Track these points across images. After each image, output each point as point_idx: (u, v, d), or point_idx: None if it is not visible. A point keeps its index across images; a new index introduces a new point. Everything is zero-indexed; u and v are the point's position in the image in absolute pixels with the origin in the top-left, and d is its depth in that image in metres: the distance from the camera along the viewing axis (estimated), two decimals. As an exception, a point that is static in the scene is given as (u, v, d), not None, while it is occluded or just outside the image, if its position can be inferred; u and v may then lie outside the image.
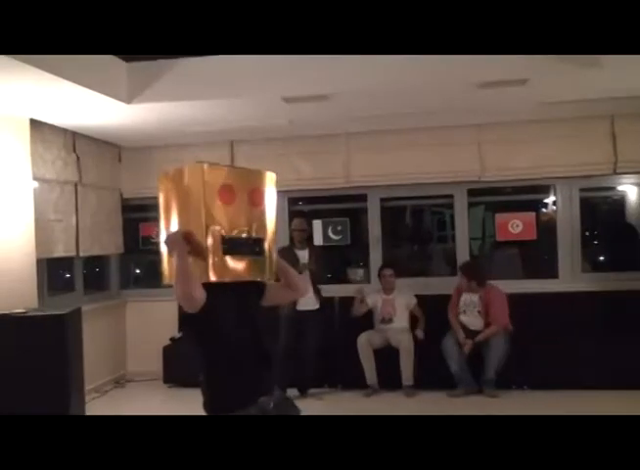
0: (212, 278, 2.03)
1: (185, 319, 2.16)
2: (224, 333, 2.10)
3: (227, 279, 2.09)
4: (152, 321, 6.22)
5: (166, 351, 5.88)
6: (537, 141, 5.72)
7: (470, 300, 5.35)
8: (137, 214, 6.72)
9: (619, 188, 6.16)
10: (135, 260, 7.03)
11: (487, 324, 5.23)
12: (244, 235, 2.14)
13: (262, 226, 2.21)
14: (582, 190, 5.89)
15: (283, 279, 2.31)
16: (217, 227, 2.06)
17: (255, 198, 2.19)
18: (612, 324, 5.19)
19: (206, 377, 2.14)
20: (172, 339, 5.98)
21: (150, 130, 5.57)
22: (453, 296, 5.49)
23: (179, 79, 4.56)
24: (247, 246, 2.14)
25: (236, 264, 2.10)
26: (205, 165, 2.07)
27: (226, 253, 2.07)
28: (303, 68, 4.38)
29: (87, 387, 4.83)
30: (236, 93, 4.60)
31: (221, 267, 2.06)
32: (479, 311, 5.30)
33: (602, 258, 6.58)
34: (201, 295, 1.99)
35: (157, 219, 6.83)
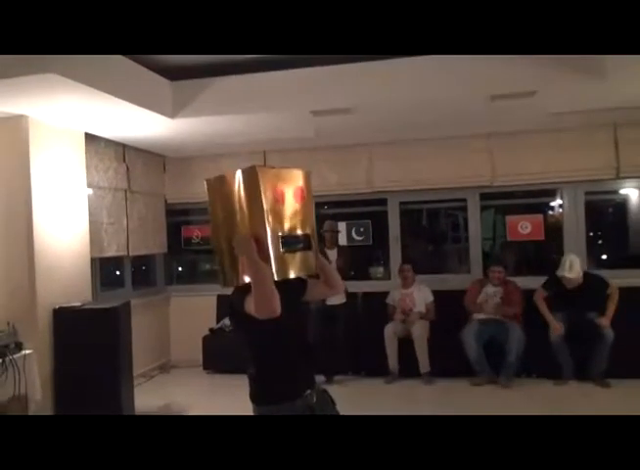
0: (276, 278, 1.92)
1: (238, 314, 2.01)
2: (276, 329, 1.98)
3: (285, 277, 1.98)
4: (192, 314, 6.29)
5: (205, 340, 5.93)
6: (545, 148, 5.64)
7: (492, 292, 5.28)
8: (179, 218, 6.82)
9: (622, 191, 6.03)
10: (177, 259, 7.12)
11: (505, 316, 5.17)
12: (298, 232, 2.06)
13: (307, 222, 2.12)
14: (587, 193, 5.79)
15: (322, 276, 2.22)
16: (276, 226, 1.97)
17: (299, 195, 2.10)
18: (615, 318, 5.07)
19: (257, 370, 2.07)
20: (211, 330, 6.03)
21: (191, 142, 5.64)
22: (471, 290, 5.42)
23: (217, 96, 4.62)
24: (299, 242, 2.06)
25: (291, 262, 2.01)
26: (258, 168, 1.97)
27: (284, 251, 1.99)
28: (330, 83, 4.40)
29: (135, 372, 4.89)
30: (268, 108, 4.63)
31: (282, 267, 1.97)
32: (499, 302, 5.23)
33: (605, 256, 6.46)
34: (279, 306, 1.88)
35: (197, 222, 7.05)
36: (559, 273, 5.06)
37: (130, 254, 5.68)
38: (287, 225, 2.02)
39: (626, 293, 5.29)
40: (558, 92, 4.35)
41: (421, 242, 6.97)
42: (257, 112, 4.67)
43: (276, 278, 1.91)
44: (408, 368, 5.25)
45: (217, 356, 5.82)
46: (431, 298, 5.51)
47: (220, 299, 6.26)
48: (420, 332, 5.23)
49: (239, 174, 2.01)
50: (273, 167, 2.06)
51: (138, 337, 4.95)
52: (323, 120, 4.92)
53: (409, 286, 5.56)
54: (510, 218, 6.01)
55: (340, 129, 5.37)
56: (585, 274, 5.11)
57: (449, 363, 5.22)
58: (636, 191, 5.96)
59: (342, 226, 6.21)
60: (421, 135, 5.74)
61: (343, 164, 6.09)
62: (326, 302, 5.12)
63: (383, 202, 6.25)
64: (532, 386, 4.99)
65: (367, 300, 5.93)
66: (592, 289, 5.05)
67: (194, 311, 6.30)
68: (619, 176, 5.57)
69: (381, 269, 6.54)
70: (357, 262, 6.59)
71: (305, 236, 2.08)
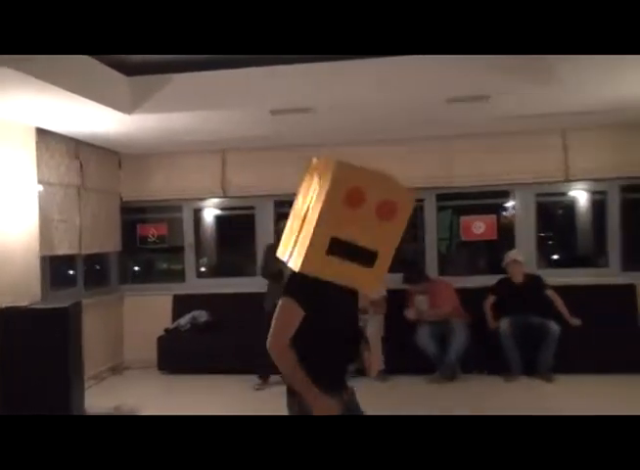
0: (299, 268, 1.85)
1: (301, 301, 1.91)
2: (330, 328, 1.95)
3: (319, 276, 1.87)
4: (147, 313, 6.16)
5: (161, 340, 5.83)
6: (499, 151, 5.78)
7: (420, 300, 5.41)
8: (135, 216, 6.68)
9: (571, 193, 6.25)
10: (133, 258, 6.98)
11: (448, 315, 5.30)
12: (359, 243, 1.86)
13: (383, 240, 1.91)
14: (538, 195, 5.98)
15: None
16: (332, 227, 1.83)
17: (384, 209, 1.87)
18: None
19: (304, 359, 1.93)
20: (167, 330, 5.93)
21: (148, 139, 5.53)
22: (409, 300, 5.53)
23: (176, 93, 4.54)
24: (356, 254, 1.86)
25: (337, 267, 1.86)
26: (336, 163, 1.84)
27: (330, 253, 1.84)
28: (289, 82, 4.39)
29: (87, 374, 4.76)
30: (227, 105, 4.59)
31: (315, 264, 1.85)
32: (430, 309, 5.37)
33: (556, 256, 6.70)
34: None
35: (154, 221, 6.91)
36: (509, 257, 5.33)
37: (83, 252, 5.52)
38: (350, 231, 1.85)
39: (574, 291, 5.52)
40: (511, 97, 4.46)
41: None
42: (216, 109, 4.62)
43: (303, 271, 1.85)
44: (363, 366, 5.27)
45: (173, 357, 5.74)
46: (382, 293, 5.56)
47: (177, 298, 6.17)
48: (373, 330, 5.27)
49: (321, 163, 1.95)
50: (370, 170, 1.90)
51: (90, 338, 4.83)
52: (283, 120, 4.90)
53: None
54: (464, 219, 6.15)
55: (300, 129, 5.37)
56: (526, 275, 5.33)
57: (406, 360, 5.29)
58: (584, 193, 6.20)
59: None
60: (381, 136, 5.79)
61: (304, 164, 6.06)
62: (276, 301, 5.10)
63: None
64: (482, 382, 5.13)
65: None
66: (535, 289, 5.32)
67: (149, 311, 6.18)
68: (568, 179, 5.78)
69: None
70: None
71: (370, 253, 1.88)
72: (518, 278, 5.33)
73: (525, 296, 5.23)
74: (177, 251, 6.61)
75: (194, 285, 6.38)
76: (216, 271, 7.11)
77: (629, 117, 5.23)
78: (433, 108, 4.70)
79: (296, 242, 1.95)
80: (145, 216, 6.82)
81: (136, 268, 7.18)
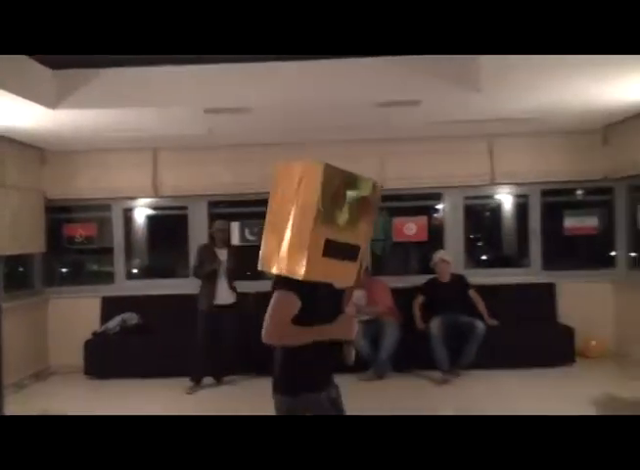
0: (301, 276, 1.87)
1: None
2: (314, 320, 1.98)
3: (316, 279, 1.92)
4: (74, 317, 5.93)
5: (88, 344, 5.61)
6: (430, 155, 5.96)
7: (358, 296, 5.50)
8: (61, 215, 6.41)
9: (497, 197, 6.52)
10: (59, 260, 6.68)
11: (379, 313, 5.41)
12: (348, 241, 1.97)
13: (362, 235, 2.02)
14: (466, 198, 6.21)
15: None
16: (325, 229, 1.88)
17: (364, 206, 2.00)
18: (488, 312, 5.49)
19: (288, 356, 2.01)
20: (95, 333, 5.72)
21: (75, 135, 5.31)
22: (347, 297, 5.61)
23: (104, 88, 4.40)
24: (345, 251, 1.97)
25: (329, 267, 1.93)
26: (323, 166, 1.86)
27: (326, 254, 1.91)
28: (224, 81, 4.35)
29: (7, 381, 4.51)
30: (158, 103, 4.48)
31: (316, 269, 1.89)
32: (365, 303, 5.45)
33: (484, 257, 6.98)
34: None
35: (81, 220, 6.67)
36: (437, 257, 5.52)
37: (1, 253, 5.23)
38: (339, 231, 1.93)
39: (500, 290, 5.79)
40: (440, 103, 4.61)
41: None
42: (147, 106, 4.50)
43: (305, 278, 1.86)
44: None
45: (101, 361, 5.54)
46: None
47: (105, 301, 5.97)
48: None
49: (305, 166, 1.93)
50: (346, 171, 1.94)
51: (10, 343, 4.57)
52: (217, 119, 4.85)
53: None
54: (396, 220, 6.30)
55: (234, 128, 5.32)
56: (453, 275, 5.56)
57: (338, 360, 5.34)
58: (509, 197, 6.50)
59: (235, 226, 6.17)
60: (315, 137, 5.83)
61: (238, 164, 6.04)
62: (214, 301, 5.07)
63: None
64: (411, 380, 5.27)
65: (261, 299, 5.91)
66: (460, 288, 5.53)
67: (76, 314, 5.94)
68: (494, 183, 6.04)
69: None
70: (251, 262, 6.56)
71: (354, 247, 2.00)
72: (445, 278, 5.52)
73: (452, 295, 5.44)
74: (107, 252, 6.38)
75: (124, 287, 6.18)
76: (148, 272, 6.92)
77: (550, 125, 5.53)
78: (365, 111, 4.78)
79: (279, 245, 1.94)
80: (72, 216, 6.55)
81: (64, 270, 6.88)
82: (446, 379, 5.13)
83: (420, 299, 5.57)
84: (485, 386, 4.99)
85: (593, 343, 5.72)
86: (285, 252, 1.90)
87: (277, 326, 1.92)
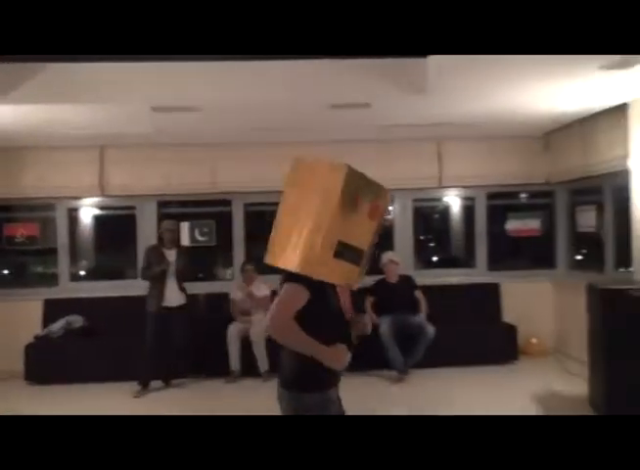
0: (313, 274, 1.91)
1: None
2: (329, 322, 2.01)
3: (324, 278, 1.96)
4: (14, 320, 5.68)
5: (29, 348, 5.41)
6: (380, 157, 6.04)
7: None
8: (1, 215, 6.15)
9: (445, 199, 6.69)
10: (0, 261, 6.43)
11: None
12: (355, 244, 1.99)
13: (368, 239, 2.05)
14: (415, 200, 6.34)
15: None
16: (338, 231, 1.92)
17: (374, 212, 2.01)
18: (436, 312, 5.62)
19: (306, 358, 1.97)
20: (36, 337, 5.52)
21: (18, 131, 5.11)
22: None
23: (49, 83, 4.23)
24: (353, 254, 2.00)
25: (337, 268, 1.97)
26: (346, 169, 1.90)
27: (336, 256, 1.94)
28: (172, 79, 4.27)
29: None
30: (104, 99, 4.37)
31: (324, 270, 1.93)
32: None
33: (433, 258, 7.15)
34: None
35: (22, 220, 6.40)
36: (385, 258, 5.61)
37: None
38: (349, 234, 1.96)
39: (447, 290, 5.94)
40: (388, 106, 4.69)
41: (266, 243, 7.06)
42: (91, 102, 4.39)
43: (316, 277, 1.91)
44: (252, 367, 5.29)
45: (42, 366, 5.35)
46: (265, 292, 5.60)
47: (48, 303, 5.77)
48: (258, 331, 5.30)
49: (328, 167, 1.95)
50: (362, 174, 1.97)
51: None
52: (165, 117, 4.77)
53: (250, 285, 5.62)
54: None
55: (185, 127, 5.25)
56: (401, 276, 5.69)
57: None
58: (457, 199, 6.67)
59: (184, 226, 6.09)
60: (267, 138, 5.83)
61: (188, 164, 5.96)
62: (163, 303, 4.99)
63: (228, 203, 6.24)
64: (363, 379, 5.28)
65: (211, 300, 5.87)
66: (408, 289, 5.63)
67: (16, 318, 5.70)
68: (442, 186, 6.19)
69: (225, 270, 6.51)
70: (201, 263, 6.50)
71: (359, 251, 2.02)
72: (393, 279, 5.61)
73: (400, 296, 5.53)
74: (51, 253, 6.18)
75: (68, 289, 5.99)
76: (94, 274, 6.74)
77: (496, 130, 5.72)
78: (316, 113, 4.81)
79: (292, 240, 1.96)
80: (13, 215, 6.31)
81: (5, 272, 6.62)
82: (401, 378, 5.22)
83: (371, 299, 5.65)
84: (435, 384, 5.09)
85: (534, 341, 5.95)
86: (299, 248, 1.92)
87: (282, 315, 1.93)
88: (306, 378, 2.00)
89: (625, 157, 4.62)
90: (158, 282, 5.06)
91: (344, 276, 2.03)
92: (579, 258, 6.29)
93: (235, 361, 5.31)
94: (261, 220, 6.88)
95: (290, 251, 1.95)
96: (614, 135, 4.88)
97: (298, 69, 4.17)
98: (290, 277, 1.96)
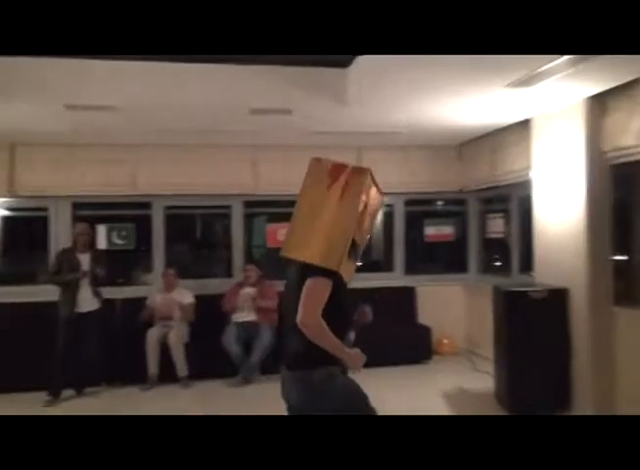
0: (337, 269, 2.04)
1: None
2: (343, 314, 2.13)
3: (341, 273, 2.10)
4: None
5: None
6: (303, 163, 6.06)
7: (248, 292, 5.54)
8: None
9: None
10: None
11: (261, 310, 5.50)
12: (358, 241, 2.16)
13: (365, 236, 2.23)
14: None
15: None
16: (355, 230, 2.10)
17: (374, 209, 2.22)
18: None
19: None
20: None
21: None
22: (230, 291, 5.63)
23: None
24: (355, 250, 2.16)
25: (347, 264, 2.12)
26: (369, 173, 2.11)
27: (349, 255, 2.10)
28: (88, 78, 4.13)
29: None
30: (13, 96, 4.16)
31: (343, 264, 2.06)
32: (253, 302, 5.52)
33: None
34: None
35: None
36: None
37: None
38: (359, 232, 2.14)
39: (368, 293, 6.05)
40: (310, 113, 4.78)
41: (187, 247, 6.97)
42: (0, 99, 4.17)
43: (339, 271, 2.05)
44: (170, 373, 5.19)
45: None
46: (190, 299, 5.54)
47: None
48: (176, 336, 5.23)
49: (354, 170, 2.14)
50: (373, 175, 2.17)
51: None
52: (82, 116, 4.61)
53: (172, 290, 5.53)
54: (270, 226, 6.40)
55: (102, 127, 5.09)
56: None
57: (211, 366, 5.32)
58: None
59: (101, 229, 5.91)
60: (188, 140, 5.76)
61: (106, 164, 5.78)
62: (75, 309, 4.81)
63: (148, 205, 6.10)
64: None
65: (128, 305, 5.70)
66: None
67: None
68: (362, 192, 6.36)
69: (144, 274, 6.35)
70: (118, 267, 6.30)
71: (358, 247, 2.18)
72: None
73: None
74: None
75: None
76: (1, 279, 6.35)
77: (413, 140, 5.96)
78: (238, 116, 4.81)
79: (315, 236, 2.08)
80: None
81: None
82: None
83: None
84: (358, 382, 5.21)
85: (445, 341, 6.25)
86: (323, 245, 2.06)
87: (315, 312, 2.00)
88: (311, 357, 2.09)
89: (529, 168, 4.96)
90: (70, 287, 4.87)
91: (348, 272, 2.18)
92: (498, 264, 6.59)
93: (153, 367, 5.19)
94: (182, 224, 6.79)
95: (316, 246, 2.06)
96: (519, 148, 5.23)
97: (218, 72, 4.16)
98: (314, 271, 2.03)
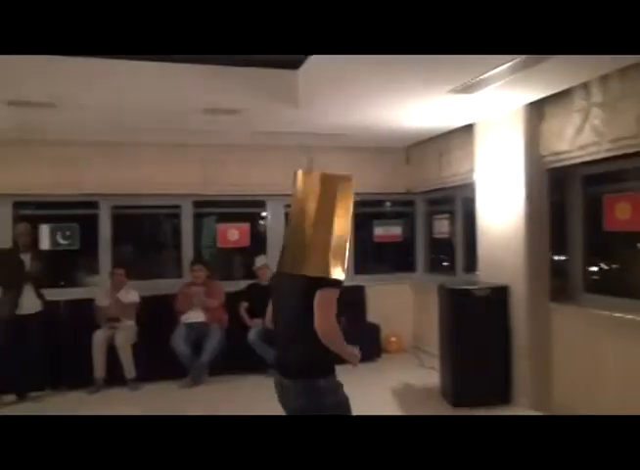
0: (343, 278, 2.12)
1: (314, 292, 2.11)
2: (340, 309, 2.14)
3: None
4: None
5: None
6: (253, 163, 6.15)
7: (196, 291, 5.51)
8: None
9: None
10: None
11: (209, 310, 5.50)
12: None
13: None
14: (287, 206, 6.51)
15: None
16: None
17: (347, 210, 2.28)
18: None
19: (325, 346, 2.11)
20: None
21: None
22: (180, 292, 5.59)
23: None
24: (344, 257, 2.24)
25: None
26: (352, 179, 2.20)
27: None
28: (31, 73, 4.02)
29: None
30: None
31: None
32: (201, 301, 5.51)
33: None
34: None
35: None
36: (258, 262, 5.80)
37: None
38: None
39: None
40: (261, 114, 4.81)
41: (136, 247, 6.85)
42: None
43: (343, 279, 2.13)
44: (118, 375, 5.09)
45: None
46: (135, 298, 5.47)
47: None
48: (124, 338, 5.14)
49: (341, 178, 2.20)
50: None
51: None
52: (24, 113, 4.47)
53: (119, 291, 5.43)
54: (220, 226, 6.39)
55: (46, 124, 4.94)
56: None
57: (160, 367, 5.26)
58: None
59: (44, 229, 5.74)
60: (138, 139, 5.67)
61: (51, 163, 5.61)
62: (16, 311, 4.66)
63: (94, 205, 5.97)
64: (231, 382, 5.35)
65: (73, 307, 5.56)
66: None
67: None
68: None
69: (94, 276, 6.19)
70: (62, 268, 6.14)
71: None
72: (265, 281, 5.74)
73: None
74: None
75: None
76: None
77: (363, 142, 6.08)
78: (189, 116, 4.79)
79: (317, 249, 2.12)
80: None
81: None
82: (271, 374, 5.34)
83: (245, 304, 5.74)
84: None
85: (393, 339, 6.40)
86: (329, 257, 2.11)
87: (333, 320, 2.09)
88: (319, 365, 2.16)
89: (472, 171, 5.16)
90: (10, 288, 4.71)
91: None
92: (445, 263, 6.79)
93: (99, 370, 5.08)
94: (130, 224, 6.66)
95: (322, 259, 2.11)
96: (464, 152, 5.43)
97: (172, 71, 4.15)
98: (327, 284, 2.09)
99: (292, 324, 2.18)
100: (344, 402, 2.20)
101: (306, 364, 2.17)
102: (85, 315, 5.36)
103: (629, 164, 3.88)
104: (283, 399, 2.23)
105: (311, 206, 2.16)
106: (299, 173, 2.24)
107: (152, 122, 5.01)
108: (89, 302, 5.45)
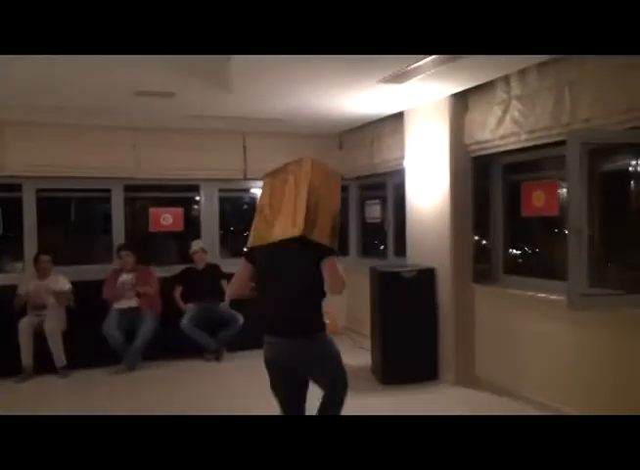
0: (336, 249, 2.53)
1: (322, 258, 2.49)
2: None
3: None
4: None
5: None
6: (187, 147, 6.09)
7: (127, 279, 5.44)
8: None
9: (252, 190, 6.97)
10: None
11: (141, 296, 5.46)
12: None
13: None
14: (221, 190, 6.51)
15: None
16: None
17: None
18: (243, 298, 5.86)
19: (321, 308, 2.60)
20: None
21: None
22: (109, 279, 5.50)
23: None
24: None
25: None
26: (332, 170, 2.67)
27: None
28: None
29: None
30: None
31: None
32: (133, 288, 5.45)
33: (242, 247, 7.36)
34: None
35: None
36: (194, 247, 5.78)
37: None
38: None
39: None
40: (194, 97, 4.77)
41: (64, 232, 6.63)
42: None
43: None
44: (47, 363, 4.97)
45: None
46: (66, 285, 5.33)
47: None
48: (53, 325, 5.01)
49: (324, 164, 2.61)
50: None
51: None
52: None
53: (45, 277, 5.27)
54: (152, 210, 6.30)
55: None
56: (208, 264, 5.90)
57: (92, 354, 5.17)
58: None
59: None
60: (65, 120, 5.48)
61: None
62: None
63: (17, 187, 5.73)
64: (166, 367, 5.35)
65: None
66: (214, 276, 5.81)
67: None
68: (247, 178, 6.45)
69: (17, 263, 5.96)
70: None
71: None
72: (200, 265, 5.75)
73: (207, 283, 5.69)
74: None
75: None
76: None
77: (297, 128, 6.13)
78: (119, 98, 4.68)
79: (320, 222, 2.46)
80: None
81: None
82: (218, 356, 5.46)
83: (179, 289, 5.71)
84: (242, 364, 5.37)
85: (327, 321, 6.54)
86: (331, 228, 2.51)
87: (342, 278, 2.52)
88: (321, 322, 2.60)
89: (402, 158, 5.36)
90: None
91: None
92: (380, 248, 6.98)
93: (27, 359, 4.94)
94: (58, 208, 6.44)
95: (326, 230, 2.48)
96: (394, 139, 5.61)
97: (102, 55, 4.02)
98: (332, 252, 2.48)
99: (300, 288, 2.49)
100: (339, 351, 2.64)
101: (316, 321, 2.56)
102: (10, 302, 5.17)
103: (544, 153, 4.18)
104: (286, 357, 2.52)
105: (302, 187, 2.48)
106: (302, 158, 2.58)
107: (82, 103, 4.85)
108: (13, 288, 5.25)
